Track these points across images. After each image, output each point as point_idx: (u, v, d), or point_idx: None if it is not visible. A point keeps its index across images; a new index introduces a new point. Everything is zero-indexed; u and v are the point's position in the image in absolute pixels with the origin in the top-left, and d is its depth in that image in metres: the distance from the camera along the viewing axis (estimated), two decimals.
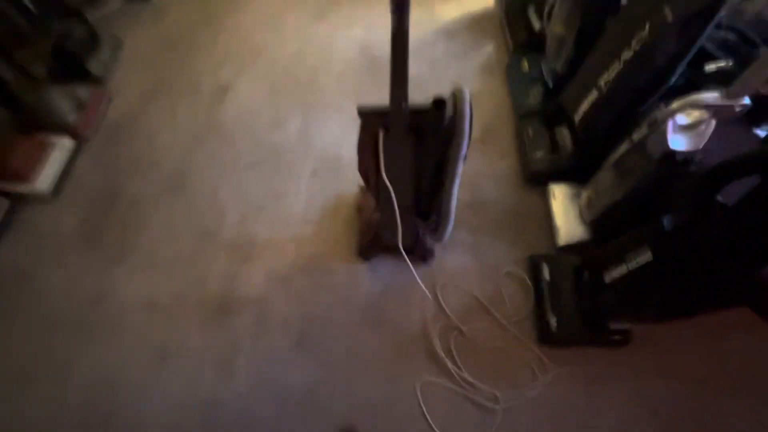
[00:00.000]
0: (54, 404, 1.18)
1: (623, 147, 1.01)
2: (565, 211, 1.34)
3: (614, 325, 1.06)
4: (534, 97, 1.57)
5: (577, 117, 1.21)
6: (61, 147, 1.54)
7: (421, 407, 1.12)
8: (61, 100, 1.56)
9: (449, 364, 1.16)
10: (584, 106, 1.17)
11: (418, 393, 1.14)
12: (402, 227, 1.10)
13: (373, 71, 1.80)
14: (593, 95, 1.13)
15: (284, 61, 1.87)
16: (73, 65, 1.66)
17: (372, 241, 1.29)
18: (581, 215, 1.31)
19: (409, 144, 0.79)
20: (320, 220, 1.44)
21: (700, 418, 1.06)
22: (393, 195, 0.82)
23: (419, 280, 1.11)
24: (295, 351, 1.22)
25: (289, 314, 1.28)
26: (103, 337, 1.27)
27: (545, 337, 1.15)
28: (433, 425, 1.10)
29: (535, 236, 1.36)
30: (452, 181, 0.83)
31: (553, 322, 1.15)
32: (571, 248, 1.29)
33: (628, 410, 1.09)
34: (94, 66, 1.70)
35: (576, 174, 1.37)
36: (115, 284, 1.35)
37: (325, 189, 1.51)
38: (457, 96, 0.73)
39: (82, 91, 1.64)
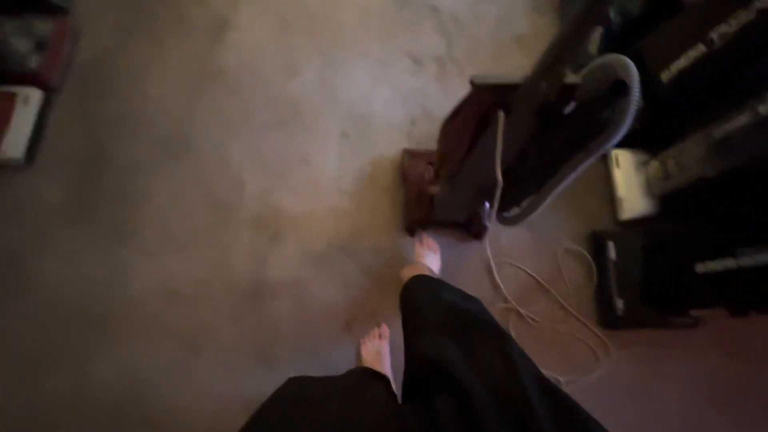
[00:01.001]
0: (76, 396, 1.07)
1: (741, 119, 0.87)
2: (628, 182, 1.22)
3: (695, 313, 1.01)
4: (597, 43, 1.36)
5: (667, 75, 1.04)
6: (27, 100, 1.24)
7: None
8: (17, 38, 1.23)
9: None
10: (681, 62, 1.00)
11: None
12: (470, 207, 0.96)
13: (403, 6, 1.50)
14: (698, 50, 0.95)
15: None
16: None
17: (424, 216, 1.15)
18: (648, 187, 1.19)
19: (530, 129, 0.62)
20: (356, 189, 1.27)
21: (764, 397, 1.08)
22: (498, 190, 0.67)
23: (491, 259, 1.00)
24: (342, 338, 1.13)
25: (331, 298, 1.17)
26: (120, 329, 1.12)
27: (611, 321, 1.10)
28: None
29: (594, 209, 1.25)
30: (569, 174, 0.68)
31: (619, 305, 1.09)
32: (634, 223, 1.20)
33: (691, 391, 1.09)
34: None
35: (644, 140, 1.23)
36: (123, 268, 1.17)
37: (358, 153, 1.31)
38: (619, 73, 0.55)
39: (41, 25, 1.29)
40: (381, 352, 1.07)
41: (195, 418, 1.05)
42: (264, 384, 1.10)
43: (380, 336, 1.10)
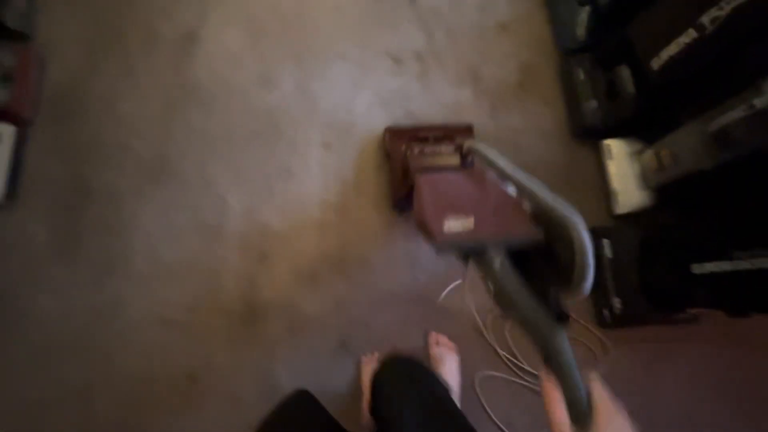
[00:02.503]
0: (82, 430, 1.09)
1: (736, 112, 0.81)
2: (622, 173, 1.17)
3: (693, 311, 0.98)
4: (584, 26, 1.28)
5: (658, 62, 0.98)
6: (0, 137, 1.21)
7: (480, 400, 1.08)
8: None
9: (505, 355, 1.10)
10: (672, 48, 0.93)
11: (476, 387, 1.08)
12: None
13: (378, 0, 1.42)
14: (689, 36, 0.89)
15: None
16: None
17: (408, 192, 1.13)
18: (643, 177, 1.15)
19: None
20: (342, 202, 1.24)
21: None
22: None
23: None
24: (338, 356, 1.13)
25: (324, 316, 1.16)
26: (118, 360, 1.13)
27: (609, 320, 1.07)
28: (493, 417, 1.07)
29: (588, 204, 1.21)
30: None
31: (617, 304, 1.06)
32: (630, 216, 1.16)
33: (692, 384, 1.08)
34: (9, 18, 1.27)
35: (637, 127, 1.18)
36: (116, 300, 1.17)
37: (341, 163, 1.27)
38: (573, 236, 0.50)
39: (3, 56, 1.25)
40: None
41: None
42: (264, 408, 1.11)
43: None
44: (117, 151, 1.28)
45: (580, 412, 0.44)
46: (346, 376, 1.11)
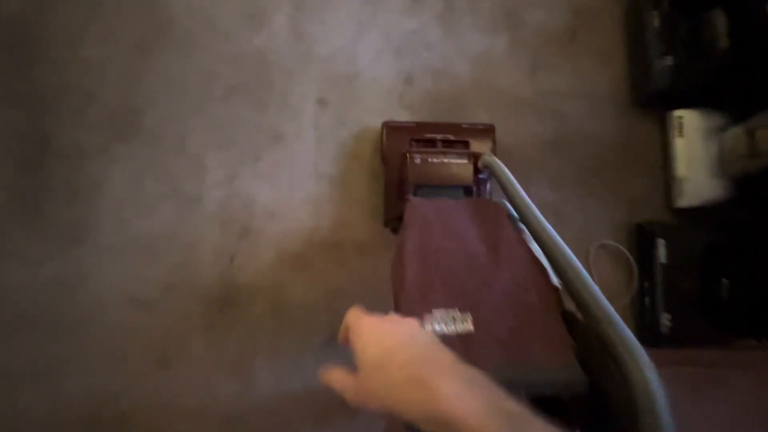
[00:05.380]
0: (52, 414, 1.01)
1: None
2: (693, 155, 0.92)
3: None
4: None
5: None
6: None
7: None
8: None
9: None
10: None
11: None
12: None
13: None
14: None
15: None
16: None
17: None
18: (721, 162, 0.89)
19: None
20: (338, 172, 1.04)
21: None
22: None
23: None
24: (324, 350, 0.99)
25: (312, 305, 1.01)
26: (85, 339, 1.03)
27: (653, 338, 0.88)
28: None
29: (641, 191, 0.98)
30: None
31: (665, 320, 0.87)
32: (695, 211, 0.92)
33: (742, 419, 0.90)
34: None
35: (723, 95, 0.90)
36: (81, 272, 1.04)
37: (338, 124, 1.06)
38: None
39: None
40: None
41: None
42: (241, 399, 1.00)
43: None
44: (79, 99, 1.09)
45: None
46: None
